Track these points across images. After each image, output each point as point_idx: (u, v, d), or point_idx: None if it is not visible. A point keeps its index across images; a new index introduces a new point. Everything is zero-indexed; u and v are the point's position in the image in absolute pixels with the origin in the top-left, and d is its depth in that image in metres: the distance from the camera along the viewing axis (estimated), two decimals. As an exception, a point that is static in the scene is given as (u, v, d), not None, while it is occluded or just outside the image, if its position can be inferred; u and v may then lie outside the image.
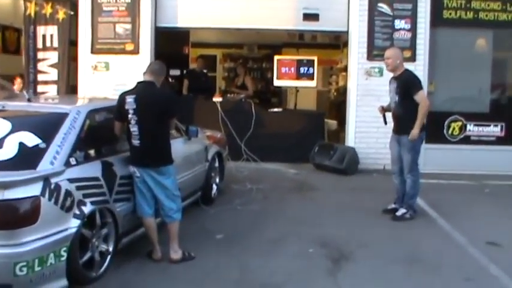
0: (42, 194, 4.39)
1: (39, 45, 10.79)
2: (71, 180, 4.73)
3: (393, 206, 7.32)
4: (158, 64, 5.85)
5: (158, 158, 5.51)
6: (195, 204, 7.31)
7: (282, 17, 10.55)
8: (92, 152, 5.27)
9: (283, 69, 11.34)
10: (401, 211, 7.11)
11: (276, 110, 11.30)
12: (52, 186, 4.50)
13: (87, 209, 4.83)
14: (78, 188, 4.80)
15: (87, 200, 4.87)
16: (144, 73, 5.73)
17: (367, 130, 9.92)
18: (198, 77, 12.18)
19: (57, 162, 4.75)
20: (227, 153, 8.59)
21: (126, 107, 5.42)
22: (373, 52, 10.06)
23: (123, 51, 10.28)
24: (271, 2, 10.46)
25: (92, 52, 10.37)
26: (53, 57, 10.79)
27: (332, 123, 12.13)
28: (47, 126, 5.18)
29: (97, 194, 5.03)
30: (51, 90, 10.77)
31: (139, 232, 5.74)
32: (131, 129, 5.42)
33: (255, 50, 18.13)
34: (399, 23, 10.11)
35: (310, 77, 11.25)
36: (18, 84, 10.99)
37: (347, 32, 10.42)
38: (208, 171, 7.60)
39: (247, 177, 9.26)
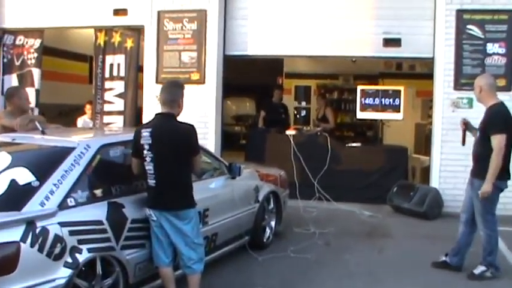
0: (23, 239, 3.94)
1: (107, 74, 10.64)
2: (63, 224, 4.24)
3: (444, 258, 6.31)
4: (169, 92, 5.14)
5: (176, 201, 4.93)
6: (243, 249, 6.64)
7: (360, 43, 9.76)
8: (98, 191, 4.79)
9: (366, 100, 10.50)
10: (479, 269, 6.02)
11: (354, 144, 10.44)
12: (37, 230, 4.04)
13: (82, 256, 4.32)
14: (73, 233, 4.29)
15: (84, 247, 4.35)
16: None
17: (454, 169, 8.83)
18: (275, 109, 11.55)
19: (49, 203, 4.29)
20: (286, 193, 7.84)
21: (142, 141, 4.91)
22: (461, 80, 9.01)
23: (189, 81, 9.85)
24: (348, 28, 9.74)
25: (157, 82, 10.05)
26: (118, 87, 10.59)
27: (425, 160, 11.04)
28: (46, 161, 4.78)
29: (98, 240, 4.51)
30: (118, 120, 10.56)
31: (156, 283, 5.13)
32: (146, 167, 4.90)
33: (351, 81, 17.33)
34: (492, 47, 9.00)
35: (396, 108, 10.32)
36: (88, 110, 10.97)
37: (433, 59, 9.40)
38: (259, 213, 6.90)
39: (314, 219, 8.49)
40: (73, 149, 4.78)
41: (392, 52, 9.74)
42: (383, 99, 10.38)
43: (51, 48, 13.01)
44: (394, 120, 10.90)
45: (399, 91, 10.37)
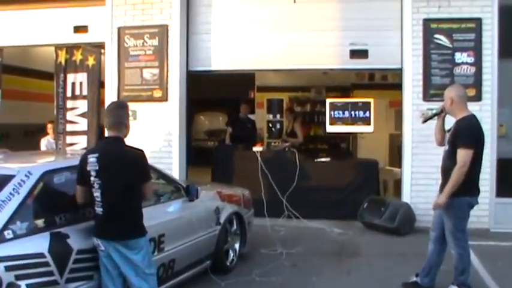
0: (-48, 278, 3.65)
1: (69, 93, 10.34)
2: (-2, 260, 3.94)
3: (414, 279, 6.06)
4: (115, 114, 4.95)
5: (125, 230, 4.70)
6: (205, 274, 6.38)
7: (326, 55, 9.59)
8: (40, 222, 4.52)
9: (336, 114, 10.34)
10: None
11: (323, 159, 10.23)
12: (-32, 268, 3.75)
13: (20, 293, 4.02)
14: (9, 269, 4.04)
15: (22, 283, 4.09)
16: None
17: (426, 183, 8.66)
18: (242, 124, 11.35)
19: (-19, 237, 3.99)
20: (251, 213, 7.61)
21: (88, 168, 4.69)
22: (430, 91, 8.88)
23: (151, 98, 9.66)
24: (312, 40, 9.56)
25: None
26: (82, 106, 10.29)
27: (397, 172, 10.88)
28: (-18, 192, 4.45)
29: (39, 274, 4.24)
30: (81, 141, 10.27)
31: (106, 317, 4.85)
32: (94, 194, 4.68)
33: (323, 93, 17.18)
34: (460, 56, 8.87)
35: (367, 121, 10.18)
36: (50, 130, 10.69)
37: (401, 70, 9.26)
38: (221, 236, 6.65)
39: (281, 238, 8.27)
40: (12, 176, 4.53)
41: (359, 64, 9.58)
42: (353, 112, 10.24)
43: (16, 66, 12.79)
44: (365, 133, 10.77)
45: (369, 103, 10.25)
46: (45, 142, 11.08)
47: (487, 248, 7.64)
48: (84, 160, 4.75)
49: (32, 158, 5.78)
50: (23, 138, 12.10)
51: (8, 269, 4.00)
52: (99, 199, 4.65)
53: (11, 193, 4.38)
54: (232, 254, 6.97)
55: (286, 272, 6.84)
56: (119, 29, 9.77)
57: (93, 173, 4.65)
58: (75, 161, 4.96)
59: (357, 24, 9.42)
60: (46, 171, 4.78)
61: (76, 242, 4.59)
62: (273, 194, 9.46)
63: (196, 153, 13.62)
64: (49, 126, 10.94)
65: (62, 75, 10.40)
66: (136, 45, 9.72)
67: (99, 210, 4.67)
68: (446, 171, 5.71)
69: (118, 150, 4.78)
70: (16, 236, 4.22)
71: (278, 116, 17.01)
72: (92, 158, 4.70)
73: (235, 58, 9.93)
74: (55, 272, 4.34)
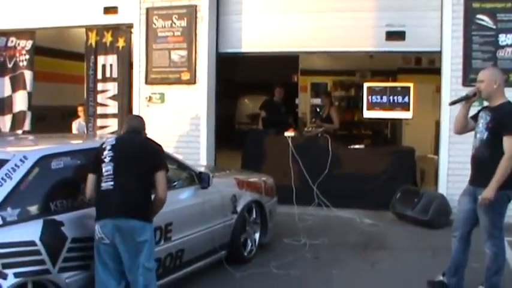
0: None
1: (99, 75, 10.31)
2: (-16, 247, 3.85)
3: (441, 278, 5.64)
4: (138, 121, 5.14)
5: (134, 206, 4.57)
6: (221, 264, 6.20)
7: (360, 37, 9.24)
8: (33, 208, 4.42)
9: (373, 99, 9.97)
10: None
11: (357, 146, 9.88)
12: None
13: (7, 282, 3.95)
14: (-3, 256, 3.90)
15: (10, 271, 3.98)
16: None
17: (463, 173, 8.07)
18: (276, 109, 11.08)
19: (-32, 222, 3.91)
20: (273, 201, 7.37)
21: (104, 145, 4.75)
22: (470, 76, 8.35)
23: (179, 81, 9.51)
24: (345, 21, 9.20)
25: (147, 82, 9.72)
26: (112, 88, 10.27)
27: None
28: (-27, 176, 4.36)
29: (29, 263, 4.13)
30: (112, 123, 10.26)
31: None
32: (104, 169, 4.59)
33: (368, 77, 16.75)
34: (505, 38, 8.35)
35: (406, 107, 9.77)
36: (81, 113, 10.70)
37: (440, 52, 8.80)
38: (237, 225, 6.46)
39: (308, 228, 8.01)
40: (6, 161, 4.43)
41: (396, 46, 9.16)
42: (391, 97, 9.85)
43: (51, 48, 12.86)
44: (409, 119, 10.37)
45: (408, 88, 9.84)
46: (77, 125, 11.10)
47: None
48: (100, 148, 4.74)
49: (37, 142, 5.69)
50: (60, 121, 12.13)
51: (-5, 256, 3.91)
52: (110, 172, 4.57)
53: (2, 178, 4.28)
54: (250, 244, 6.76)
55: (307, 264, 6.60)
56: (147, 9, 9.64)
57: (108, 147, 4.70)
58: (75, 146, 4.92)
59: (394, 4, 9.03)
60: (43, 156, 4.65)
61: (71, 230, 4.47)
62: (303, 181, 9.23)
63: (240, 137, 13.50)
64: (80, 109, 10.97)
65: (92, 57, 10.38)
66: (165, 26, 9.58)
67: (108, 184, 4.54)
68: (482, 162, 5.26)
69: (135, 137, 4.90)
70: (6, 223, 4.12)
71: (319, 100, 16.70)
72: (109, 139, 4.81)
73: (266, 40, 9.67)
74: (47, 260, 4.23)
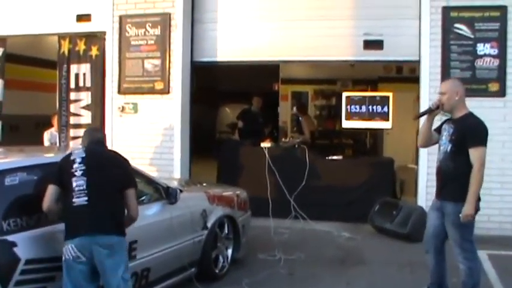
0: None
1: (72, 85, 10.03)
2: None
3: None
4: (99, 131, 5.25)
5: (110, 222, 4.46)
6: (191, 282, 5.95)
7: (338, 46, 9.06)
8: (-18, 228, 4.10)
9: (353, 108, 9.83)
10: None
11: (335, 157, 9.67)
12: None
13: (-49, 309, 3.67)
14: None
15: (-46, 297, 3.70)
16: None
17: (442, 185, 8.03)
18: (253, 119, 10.88)
19: None
20: (246, 216, 7.15)
21: (72, 157, 4.55)
22: (449, 86, 8.21)
23: (152, 91, 9.28)
24: (323, 30, 9.04)
25: (119, 92, 9.48)
26: (86, 98, 9.99)
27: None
28: None
29: (-24, 287, 3.86)
30: (85, 134, 9.91)
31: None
32: (74, 184, 4.38)
33: (349, 86, 16.64)
34: (483, 48, 8.22)
35: (385, 116, 9.63)
36: (56, 122, 10.45)
37: (418, 62, 8.65)
38: (208, 241, 6.21)
39: (284, 242, 7.80)
40: (-45, 177, 4.17)
41: (373, 55, 9.01)
42: (370, 107, 9.71)
43: (28, 56, 12.60)
44: (388, 129, 10.25)
45: (387, 97, 9.74)
46: (48, 136, 10.80)
47: (508, 259, 7.01)
48: (66, 159, 4.53)
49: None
50: (34, 131, 11.83)
51: None
52: (82, 187, 4.37)
53: (-51, 196, 4.03)
54: (222, 261, 6.52)
55: (281, 281, 6.39)
56: (121, 17, 9.41)
57: (78, 160, 4.50)
58: (32, 161, 4.64)
59: (371, 13, 8.88)
60: (-4, 172, 4.40)
61: (25, 251, 4.21)
62: (280, 193, 9.03)
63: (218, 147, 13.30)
64: (55, 118, 10.69)
65: (65, 65, 10.09)
66: (138, 35, 9.34)
67: (81, 200, 4.34)
68: (447, 174, 5.17)
69: (104, 150, 4.85)
70: (-49, 244, 3.87)
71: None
72: (76, 151, 4.60)
73: (242, 49, 9.48)
74: (-4, 285, 3.98)
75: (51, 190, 4.46)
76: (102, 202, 4.42)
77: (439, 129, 5.39)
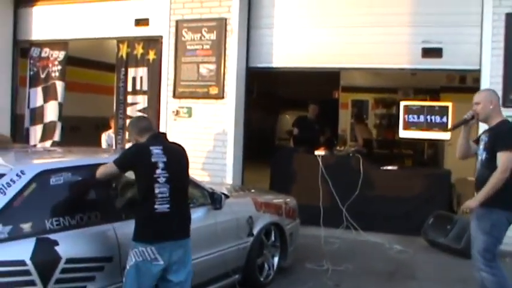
0: None
1: (129, 88, 10.22)
2: (-31, 266, 3.70)
3: None
4: (148, 120, 5.16)
5: (187, 226, 4.64)
6: (233, 288, 5.94)
7: (396, 53, 8.88)
8: (26, 226, 4.21)
9: (410, 118, 9.59)
10: None
11: (390, 167, 9.47)
12: None
13: (-8, 303, 3.76)
14: (-19, 276, 3.74)
15: (-4, 292, 3.79)
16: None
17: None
18: (308, 126, 10.78)
19: (-46, 240, 3.76)
20: (294, 224, 7.06)
21: (154, 159, 4.44)
22: (510, 96, 7.96)
23: (207, 96, 9.33)
24: (379, 36, 8.85)
25: (174, 96, 9.57)
26: (142, 101, 10.16)
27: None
28: (-34, 191, 4.23)
29: (18, 283, 3.95)
30: (141, 137, 10.08)
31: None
32: (157, 191, 4.39)
33: (411, 95, 16.32)
34: (547, 57, 7.89)
35: (444, 127, 9.36)
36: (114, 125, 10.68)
37: (479, 71, 8.38)
38: (253, 248, 6.18)
39: (333, 252, 7.69)
40: (2, 175, 4.27)
41: (432, 63, 8.75)
42: (429, 117, 9.46)
43: (86, 59, 12.92)
44: (441, 140, 9.97)
45: (447, 107, 9.44)
46: (106, 137, 11.05)
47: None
48: (145, 150, 4.50)
49: (38, 156, 5.54)
50: (94, 132, 12.11)
51: (-20, 276, 3.75)
52: (165, 194, 4.40)
53: (-4, 193, 4.12)
54: (268, 268, 6.48)
55: (326, 292, 6.30)
56: (177, 22, 9.52)
57: (160, 165, 4.43)
58: (78, 162, 4.72)
59: (431, 20, 8.62)
60: (42, 171, 4.49)
61: (66, 250, 4.25)
62: (332, 202, 8.92)
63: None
64: (113, 121, 10.93)
65: (122, 69, 10.30)
66: (194, 39, 9.42)
67: (163, 207, 4.39)
68: (482, 183, 5.03)
69: (174, 144, 4.79)
70: (-6, 241, 3.96)
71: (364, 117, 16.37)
72: (156, 150, 4.48)
73: (298, 54, 9.41)
74: (37, 281, 4.03)
75: (111, 169, 4.60)
76: (181, 208, 4.57)
77: (478, 140, 5.36)
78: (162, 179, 4.39)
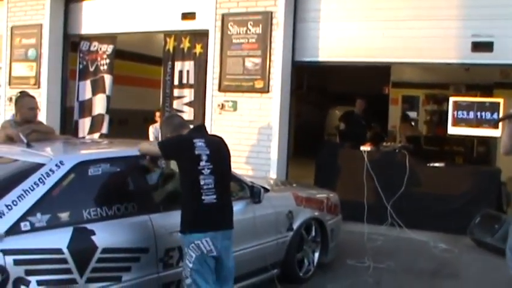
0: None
1: (176, 81, 10.31)
2: (7, 252, 3.84)
3: None
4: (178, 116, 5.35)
5: (232, 216, 4.73)
6: (271, 283, 5.90)
7: (446, 48, 8.64)
8: (64, 215, 4.31)
9: (460, 114, 9.38)
10: None
11: (437, 164, 9.25)
12: (-30, 258, 3.64)
13: (29, 290, 3.86)
14: (19, 263, 3.88)
15: (33, 278, 3.92)
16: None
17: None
18: (355, 121, 10.68)
19: (-6, 227, 3.86)
20: (336, 219, 7.00)
21: (197, 151, 4.50)
22: None
23: (252, 89, 9.31)
24: (427, 30, 8.65)
25: (220, 89, 9.57)
26: (188, 95, 10.24)
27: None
28: (7, 179, 4.37)
29: (54, 271, 4.06)
30: (187, 130, 10.17)
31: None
32: (202, 182, 4.46)
33: (462, 91, 15.96)
34: None
35: (495, 124, 9.12)
36: (159, 118, 10.81)
37: (533, 67, 8.13)
38: (293, 243, 6.16)
39: (376, 249, 7.59)
40: (42, 165, 4.37)
41: (482, 58, 8.49)
42: (479, 113, 9.23)
43: (137, 54, 13.11)
44: (493, 138, 9.72)
45: (497, 104, 9.19)
46: (153, 130, 11.20)
47: None
48: (189, 143, 4.55)
49: (78, 148, 5.64)
50: (142, 125, 12.30)
51: (17, 262, 3.85)
52: (211, 186, 4.47)
53: (35, 183, 4.22)
54: (307, 264, 6.45)
55: (365, 290, 6.23)
56: (223, 15, 9.51)
57: (204, 157, 4.50)
58: (117, 153, 4.81)
59: (481, 13, 8.35)
60: (80, 162, 4.58)
61: (103, 239, 4.34)
62: (377, 198, 8.81)
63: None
64: (157, 114, 11.06)
65: (169, 63, 10.41)
66: (240, 33, 9.40)
67: (210, 198, 4.45)
68: None
69: (214, 137, 4.90)
70: (33, 229, 4.05)
71: (415, 113, 16.11)
72: (199, 142, 4.54)
73: (345, 48, 9.29)
74: (73, 270, 4.13)
75: (154, 150, 4.70)
76: (227, 199, 4.65)
77: None
78: (206, 171, 4.44)
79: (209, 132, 5.04)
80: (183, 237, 4.47)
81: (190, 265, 4.39)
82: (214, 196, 4.44)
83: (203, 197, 4.42)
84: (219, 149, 4.69)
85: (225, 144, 4.84)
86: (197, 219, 4.45)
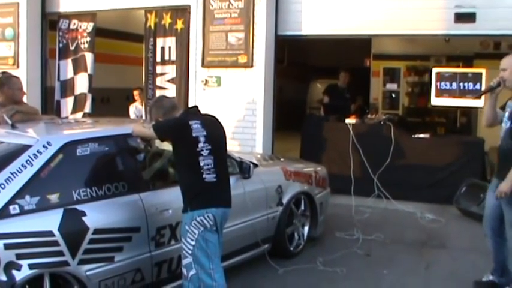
0: None
1: (158, 58, 10.14)
2: (-3, 236, 3.70)
3: (490, 278, 5.35)
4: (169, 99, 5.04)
5: (231, 197, 4.66)
6: (263, 258, 5.89)
7: (429, 19, 8.57)
8: (53, 197, 4.20)
9: (442, 85, 9.38)
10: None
11: (422, 135, 9.24)
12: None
13: (21, 274, 3.80)
14: (9, 247, 3.79)
15: (24, 262, 3.84)
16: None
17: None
18: (339, 94, 10.60)
19: (-18, 211, 3.76)
20: (324, 193, 6.96)
21: (195, 134, 4.40)
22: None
23: (236, 64, 9.18)
24: (410, 2, 8.60)
25: (203, 65, 9.44)
26: (171, 71, 10.08)
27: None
28: (-8, 162, 4.22)
29: (45, 254, 3.98)
30: (171, 106, 10.04)
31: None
32: (202, 163, 4.38)
33: (443, 62, 15.95)
34: None
35: (477, 97, 9.11)
36: (138, 97, 10.66)
37: (514, 36, 8.11)
38: (283, 218, 6.11)
39: (364, 221, 7.61)
40: (29, 146, 4.26)
41: (465, 29, 8.44)
42: (461, 84, 9.23)
43: (118, 31, 12.88)
44: (475, 108, 9.71)
45: (480, 74, 9.18)
46: (134, 109, 11.06)
47: None
48: (186, 126, 4.43)
49: (64, 128, 5.51)
50: (124, 103, 12.12)
51: (7, 247, 3.76)
52: (211, 166, 4.39)
53: (23, 165, 4.11)
54: (297, 238, 6.43)
55: (356, 261, 6.23)
56: (205, -10, 9.35)
57: (202, 139, 4.40)
58: (104, 132, 4.70)
59: (464, -17, 8.33)
60: (68, 142, 4.46)
61: (94, 220, 4.26)
62: (363, 171, 8.82)
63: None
64: (135, 93, 10.98)
65: (151, 39, 10.22)
66: (222, 8, 9.24)
67: (211, 177, 4.39)
68: (505, 153, 4.90)
69: (209, 116, 4.75)
70: (23, 212, 3.96)
71: (395, 85, 16.06)
72: (196, 124, 4.43)
73: (327, 22, 9.17)
74: (65, 252, 4.05)
75: (149, 133, 4.59)
76: (226, 178, 4.59)
77: (504, 107, 5.10)
78: (205, 152, 4.37)
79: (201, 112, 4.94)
80: (185, 216, 4.39)
81: (193, 242, 4.31)
82: (214, 175, 4.39)
83: (204, 176, 4.37)
84: (215, 129, 4.61)
85: (220, 124, 4.76)
86: (199, 196, 4.38)
